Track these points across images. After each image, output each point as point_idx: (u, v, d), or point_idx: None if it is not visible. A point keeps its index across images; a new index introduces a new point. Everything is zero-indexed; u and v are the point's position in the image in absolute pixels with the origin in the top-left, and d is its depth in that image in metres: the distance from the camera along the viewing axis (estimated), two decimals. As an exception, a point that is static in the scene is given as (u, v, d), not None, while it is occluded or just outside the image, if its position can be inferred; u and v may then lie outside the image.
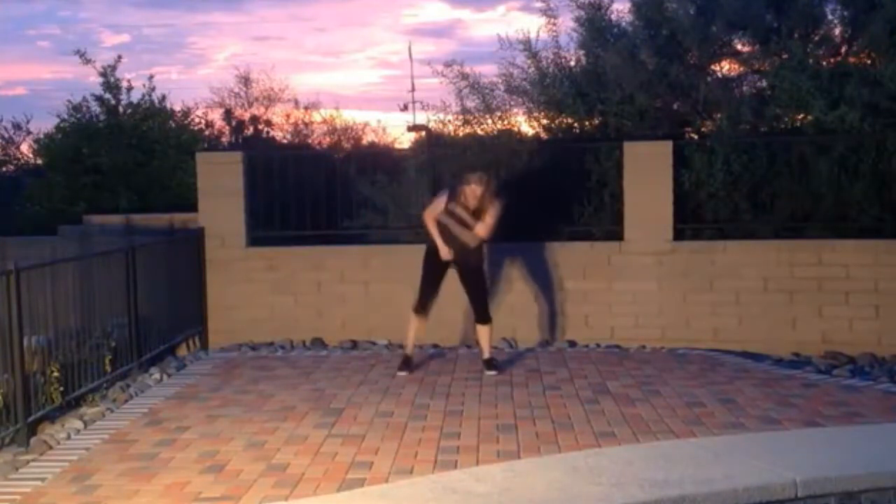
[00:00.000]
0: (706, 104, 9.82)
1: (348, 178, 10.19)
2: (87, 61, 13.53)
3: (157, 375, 7.77)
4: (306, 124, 18.13)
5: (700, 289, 8.87)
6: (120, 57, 13.64)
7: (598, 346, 8.83)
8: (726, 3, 9.79)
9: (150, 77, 14.16)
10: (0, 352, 5.90)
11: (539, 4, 10.36)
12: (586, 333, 8.96)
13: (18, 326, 5.93)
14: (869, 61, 9.68)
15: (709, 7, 9.93)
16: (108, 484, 5.18)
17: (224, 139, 16.46)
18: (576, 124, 10.15)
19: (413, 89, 18.49)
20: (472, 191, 7.61)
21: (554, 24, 10.33)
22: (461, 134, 10.62)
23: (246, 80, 18.46)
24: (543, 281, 9.08)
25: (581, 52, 10.40)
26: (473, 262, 7.80)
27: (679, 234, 9.02)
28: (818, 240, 8.83)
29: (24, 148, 16.40)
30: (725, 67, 10.38)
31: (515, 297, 9.07)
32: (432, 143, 11.39)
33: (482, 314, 7.80)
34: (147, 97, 13.93)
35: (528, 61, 10.35)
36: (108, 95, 13.64)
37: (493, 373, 7.64)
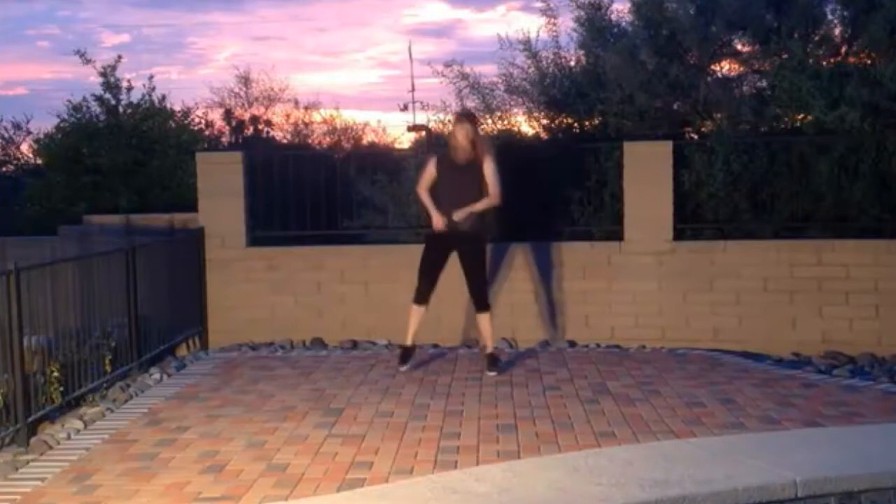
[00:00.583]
0: (706, 104, 9.82)
1: (348, 178, 10.19)
2: (87, 61, 13.56)
3: (157, 375, 7.77)
4: (306, 124, 18.15)
5: (700, 289, 8.87)
6: (120, 57, 13.67)
7: (598, 346, 8.83)
8: (726, 3, 9.79)
9: (150, 77, 14.19)
10: (0, 352, 5.90)
11: (539, 4, 10.39)
12: (586, 333, 8.96)
13: (18, 326, 5.93)
14: (869, 61, 9.67)
15: (709, 7, 9.93)
16: (108, 484, 5.18)
17: (224, 139, 16.47)
18: (576, 124, 10.16)
19: (413, 89, 18.52)
20: (462, 132, 7.41)
21: (554, 24, 10.35)
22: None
23: (246, 80, 18.49)
24: (544, 281, 9.08)
25: (581, 52, 10.41)
26: (472, 234, 7.58)
27: (679, 234, 9.02)
28: (818, 240, 8.83)
29: (24, 148, 16.43)
30: (725, 67, 10.38)
31: (516, 296, 9.07)
32: (432, 143, 11.39)
33: (481, 300, 7.69)
34: (147, 97, 13.94)
35: (528, 61, 10.36)
36: (108, 95, 13.64)
37: (493, 373, 7.60)
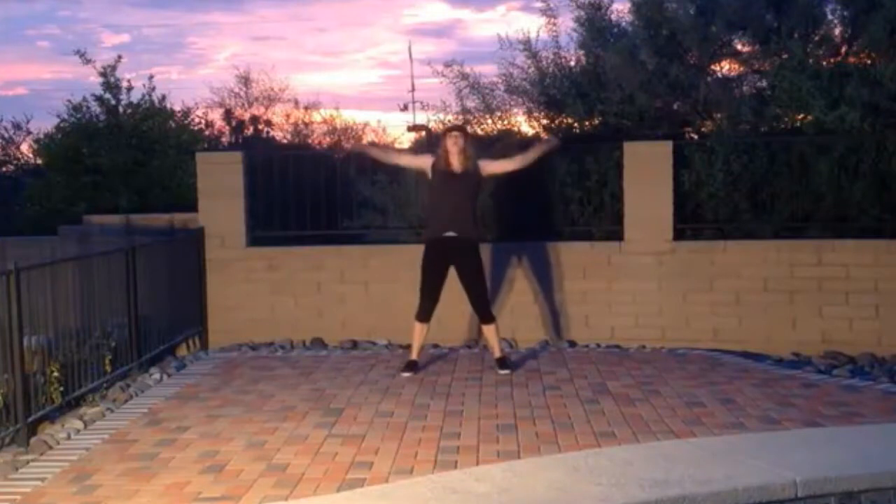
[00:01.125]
0: (706, 104, 9.81)
1: (348, 178, 10.18)
2: (87, 61, 13.54)
3: (157, 375, 7.77)
4: (306, 124, 18.13)
5: (700, 289, 8.87)
6: (120, 57, 13.65)
7: (598, 346, 8.83)
8: (726, 3, 9.80)
9: (150, 77, 14.17)
10: (0, 352, 5.90)
11: (539, 4, 10.37)
12: (586, 333, 8.96)
13: (18, 326, 5.94)
14: (869, 61, 9.67)
15: (709, 7, 9.93)
16: (108, 484, 5.18)
17: (224, 139, 16.46)
18: (576, 124, 10.15)
19: (413, 89, 18.52)
20: (454, 142, 7.49)
21: (554, 24, 10.34)
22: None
23: (246, 80, 18.47)
24: (544, 281, 9.08)
25: (581, 52, 10.40)
26: (470, 245, 7.60)
27: (679, 234, 9.02)
28: (818, 240, 8.83)
29: (24, 148, 16.42)
30: (725, 67, 10.37)
31: (516, 297, 9.08)
32: (432, 143, 11.39)
33: (485, 312, 7.74)
34: (147, 97, 13.93)
35: (528, 61, 10.35)
36: (108, 95, 13.64)
37: (506, 371, 7.62)
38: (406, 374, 7.64)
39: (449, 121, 10.36)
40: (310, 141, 17.34)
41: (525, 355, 8.39)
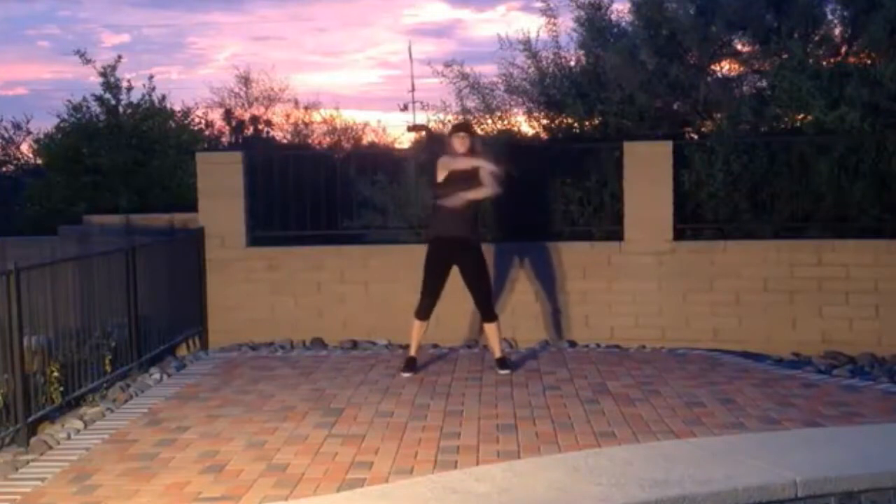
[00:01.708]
0: (706, 104, 9.81)
1: (348, 178, 10.19)
2: (87, 61, 13.53)
3: (157, 375, 7.77)
4: (306, 124, 18.13)
5: (700, 289, 8.87)
6: (120, 57, 13.65)
7: (598, 346, 8.83)
8: (726, 3, 9.80)
9: (150, 77, 14.16)
10: (0, 352, 5.90)
11: (539, 4, 10.38)
12: (586, 333, 8.96)
13: (18, 326, 5.94)
14: (869, 61, 9.67)
15: (709, 7, 9.93)
16: (108, 484, 5.18)
17: (224, 139, 16.45)
18: (576, 124, 10.15)
19: (413, 89, 18.50)
20: (461, 142, 7.51)
21: (554, 24, 10.34)
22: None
23: (246, 80, 18.47)
24: (544, 281, 9.07)
25: (581, 52, 10.40)
26: (473, 244, 7.64)
27: (679, 234, 9.02)
28: (818, 240, 8.83)
29: (24, 148, 16.41)
30: (725, 67, 10.37)
31: (516, 296, 9.08)
32: (432, 143, 11.39)
33: (488, 310, 7.74)
34: (147, 97, 13.92)
35: (528, 61, 10.35)
36: (108, 95, 13.63)
37: (506, 371, 7.63)
38: (406, 374, 7.64)
39: (451, 120, 10.37)
40: (310, 141, 17.34)
41: (525, 355, 8.39)
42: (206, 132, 15.87)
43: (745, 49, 10.17)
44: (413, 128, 15.31)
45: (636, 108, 9.72)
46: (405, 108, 17.62)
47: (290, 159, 10.03)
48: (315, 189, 9.52)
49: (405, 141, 16.64)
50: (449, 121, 10.57)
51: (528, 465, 5.21)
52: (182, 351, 9.00)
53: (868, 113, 9.01)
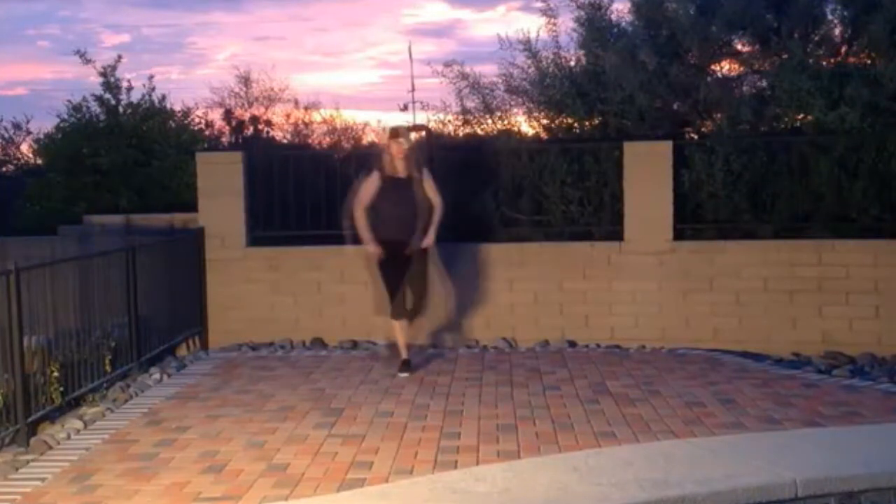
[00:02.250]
0: (706, 104, 9.81)
1: (348, 178, 10.17)
2: (87, 61, 13.49)
3: (157, 375, 7.77)
4: (306, 124, 18.07)
5: (700, 289, 8.87)
6: (120, 57, 13.61)
7: (598, 346, 8.82)
8: (726, 3, 9.79)
9: (150, 77, 14.11)
10: (0, 352, 5.90)
11: (539, 4, 10.37)
12: (586, 333, 8.95)
13: (18, 326, 5.94)
14: (869, 61, 9.67)
15: (709, 7, 9.92)
16: (108, 484, 5.18)
17: (224, 139, 16.40)
18: (576, 124, 10.15)
19: (413, 89, 18.41)
20: (398, 148, 7.55)
21: (554, 24, 10.34)
22: (461, 134, 10.62)
23: (246, 80, 18.40)
24: (543, 281, 9.06)
25: (581, 52, 10.39)
26: (418, 243, 7.65)
27: (679, 234, 9.02)
28: (818, 240, 8.82)
29: (24, 148, 16.36)
30: (725, 67, 10.37)
31: (515, 296, 9.07)
32: (432, 143, 11.38)
33: (423, 310, 7.81)
34: (147, 97, 13.89)
35: (528, 61, 10.35)
36: (108, 95, 13.60)
37: (403, 374, 7.60)
38: (404, 375, 7.63)
39: (451, 119, 10.37)
40: (310, 141, 17.29)
41: (525, 355, 8.39)
42: (206, 132, 15.82)
43: (745, 49, 10.16)
44: (413, 128, 15.27)
45: (636, 108, 9.72)
46: (405, 108, 17.53)
47: (290, 159, 10.02)
48: (315, 189, 9.51)
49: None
50: (448, 120, 10.58)
51: (528, 465, 5.21)
52: (182, 351, 8.99)
53: (868, 113, 9.01)
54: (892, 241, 8.70)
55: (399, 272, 7.65)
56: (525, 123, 10.63)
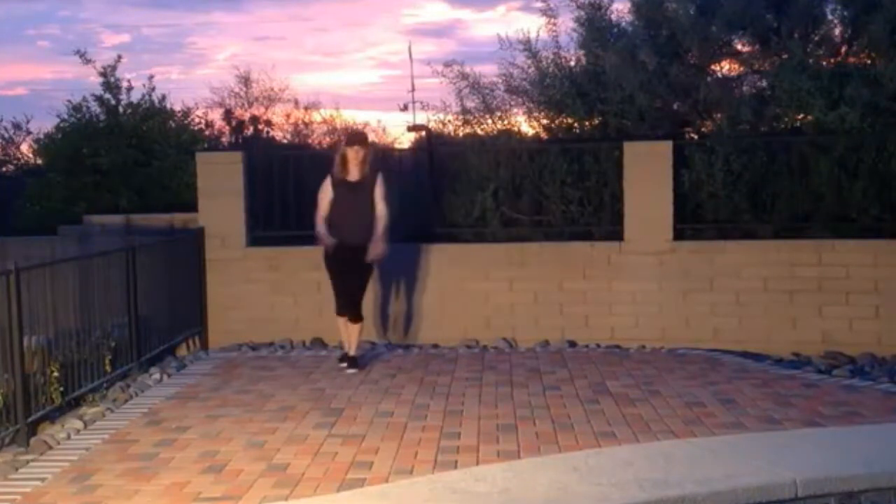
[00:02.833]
0: (706, 104, 9.81)
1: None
2: (87, 61, 13.50)
3: (157, 375, 7.77)
4: (306, 124, 18.07)
5: (700, 289, 8.86)
6: (120, 57, 13.61)
7: (598, 346, 8.82)
8: (726, 3, 9.79)
9: (150, 77, 14.12)
10: (0, 352, 5.90)
11: (539, 4, 10.37)
12: (586, 333, 8.95)
13: (18, 326, 5.94)
14: (869, 61, 9.68)
15: (709, 7, 9.93)
16: (108, 484, 5.19)
17: (224, 139, 16.41)
18: (576, 124, 10.15)
19: (413, 89, 18.40)
20: (354, 154, 7.63)
21: (554, 24, 10.34)
22: (461, 134, 10.62)
23: (246, 80, 18.40)
24: (543, 281, 9.06)
25: (581, 52, 10.39)
26: (374, 250, 7.76)
27: (679, 234, 9.02)
28: (818, 240, 8.82)
29: (24, 148, 16.37)
30: (725, 67, 10.37)
31: (515, 296, 9.07)
32: (432, 143, 11.39)
33: (359, 311, 7.89)
34: (147, 97, 13.90)
35: (528, 61, 10.34)
36: (108, 95, 13.60)
37: (351, 370, 7.74)
38: (350, 371, 7.73)
39: (451, 119, 10.36)
40: (310, 141, 17.29)
41: (525, 355, 8.39)
42: (206, 132, 15.82)
43: (745, 49, 10.17)
44: (413, 128, 15.26)
45: (636, 108, 9.72)
46: (405, 108, 17.53)
47: (290, 159, 10.02)
48: (315, 189, 9.49)
49: (405, 141, 16.61)
50: (448, 120, 10.58)
51: (528, 465, 5.21)
52: (182, 351, 8.99)
53: (868, 113, 9.01)
54: (892, 241, 8.70)
55: (349, 275, 7.79)
56: (525, 123, 10.64)
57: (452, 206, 9.70)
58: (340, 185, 7.75)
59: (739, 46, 10.22)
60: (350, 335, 7.94)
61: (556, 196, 9.46)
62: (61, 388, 6.64)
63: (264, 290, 9.27)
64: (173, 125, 14.12)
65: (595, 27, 10.25)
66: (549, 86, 10.10)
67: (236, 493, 4.97)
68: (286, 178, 9.51)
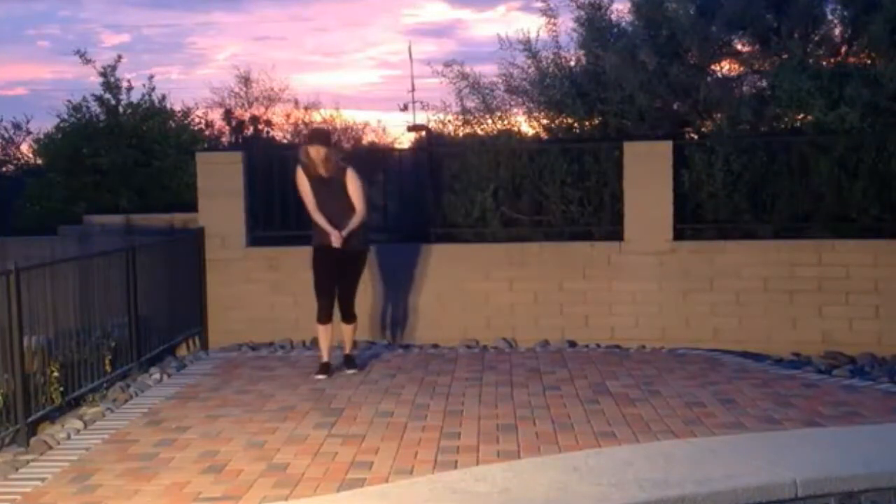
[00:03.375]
0: (706, 104, 9.80)
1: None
2: (87, 61, 13.50)
3: (157, 375, 7.77)
4: (306, 124, 18.07)
5: (700, 289, 8.86)
6: (120, 57, 13.61)
7: (598, 346, 8.82)
8: (726, 3, 9.79)
9: (150, 77, 14.11)
10: (0, 352, 5.90)
11: (539, 4, 10.36)
12: (586, 333, 8.95)
13: (18, 326, 5.94)
14: (869, 61, 9.67)
15: (709, 7, 9.93)
16: (108, 484, 5.19)
17: (224, 139, 16.41)
18: (576, 124, 10.15)
19: (413, 89, 18.40)
20: (317, 153, 7.48)
21: (554, 24, 10.33)
22: (461, 134, 10.62)
23: (246, 80, 18.40)
24: (543, 281, 9.06)
25: (581, 52, 10.39)
26: (359, 251, 7.70)
27: (679, 234, 9.02)
28: (818, 240, 8.82)
29: (24, 148, 16.36)
30: (725, 67, 10.37)
31: (515, 296, 9.07)
32: (432, 143, 11.39)
33: (351, 312, 7.77)
34: (147, 97, 13.90)
35: (528, 61, 10.34)
36: (108, 95, 13.60)
37: (352, 370, 7.66)
38: (319, 377, 7.57)
39: (451, 119, 10.35)
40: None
41: (525, 355, 8.39)
42: (207, 132, 15.82)
43: (745, 49, 10.16)
44: (413, 128, 15.26)
45: (636, 108, 9.72)
46: (405, 108, 17.54)
47: (290, 159, 10.00)
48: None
49: (405, 141, 16.61)
50: (448, 120, 10.57)
51: (528, 465, 5.21)
52: (182, 351, 9.00)
53: (868, 113, 9.01)
54: (892, 241, 8.70)
55: (333, 277, 7.65)
56: (525, 123, 10.64)
57: (452, 206, 9.68)
58: (314, 180, 7.61)
59: (739, 46, 10.22)
60: (344, 335, 7.84)
61: (556, 196, 9.46)
62: (61, 388, 6.64)
63: (264, 290, 9.28)
64: (173, 125, 14.12)
65: (595, 27, 10.25)
66: (549, 86, 10.10)
67: (236, 493, 4.98)
68: (286, 178, 9.47)
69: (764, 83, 9.97)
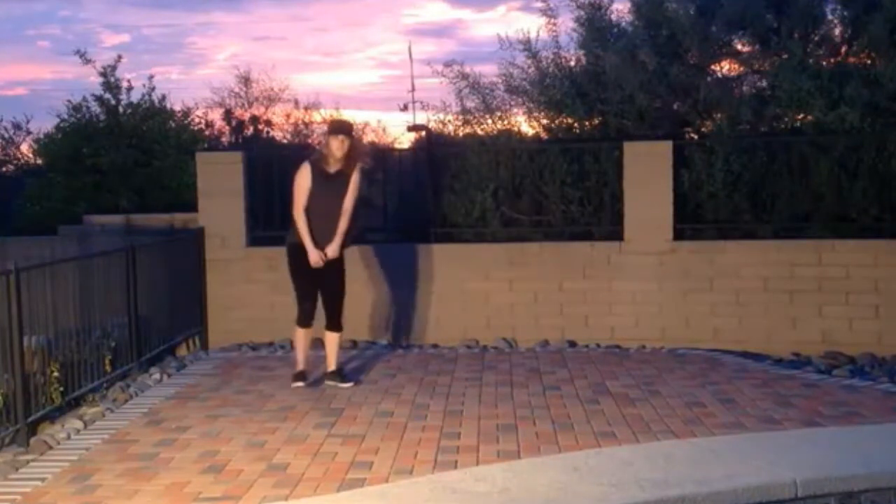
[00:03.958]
0: (706, 104, 9.81)
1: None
2: (87, 61, 13.52)
3: (157, 375, 7.77)
4: (306, 124, 18.08)
5: (700, 289, 8.86)
6: (120, 57, 13.64)
7: (598, 346, 8.82)
8: (726, 3, 9.79)
9: (150, 77, 14.15)
10: (0, 352, 5.90)
11: (539, 4, 10.36)
12: (586, 333, 8.95)
13: (18, 326, 5.94)
14: (869, 61, 9.67)
15: (709, 7, 9.93)
16: (107, 484, 5.19)
17: (224, 139, 16.42)
18: (576, 124, 10.15)
19: (413, 89, 18.41)
20: (341, 144, 7.13)
21: (554, 24, 10.33)
22: (461, 134, 10.62)
23: (246, 80, 18.41)
24: (543, 281, 9.06)
25: (581, 52, 10.39)
26: (339, 254, 7.32)
27: (679, 234, 9.02)
28: (818, 240, 8.82)
29: (24, 148, 16.39)
30: (725, 67, 10.37)
31: (515, 296, 9.07)
32: (432, 143, 11.39)
33: (338, 321, 7.37)
34: (147, 97, 13.92)
35: (528, 61, 10.34)
36: (108, 95, 13.62)
37: (347, 385, 7.26)
38: (297, 384, 7.27)
39: (451, 119, 10.35)
40: (310, 141, 17.30)
41: (525, 355, 8.39)
42: (206, 132, 15.84)
43: (745, 49, 10.16)
44: (413, 128, 15.26)
45: (636, 108, 9.72)
46: (405, 108, 17.54)
47: (290, 159, 10.01)
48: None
49: (405, 141, 16.62)
50: (448, 120, 10.57)
51: (528, 465, 5.21)
52: (182, 351, 9.00)
53: (868, 113, 9.01)
54: (892, 241, 8.70)
55: (312, 278, 7.31)
56: (525, 123, 10.64)
57: (452, 206, 9.69)
58: (318, 177, 7.25)
59: (739, 46, 10.22)
60: (327, 347, 7.46)
61: (556, 196, 9.46)
62: (61, 388, 6.65)
63: (264, 290, 9.27)
64: (173, 125, 14.15)
65: (595, 27, 10.25)
66: (549, 86, 10.10)
67: (236, 493, 4.98)
68: (286, 178, 9.47)
69: (764, 83, 9.97)
